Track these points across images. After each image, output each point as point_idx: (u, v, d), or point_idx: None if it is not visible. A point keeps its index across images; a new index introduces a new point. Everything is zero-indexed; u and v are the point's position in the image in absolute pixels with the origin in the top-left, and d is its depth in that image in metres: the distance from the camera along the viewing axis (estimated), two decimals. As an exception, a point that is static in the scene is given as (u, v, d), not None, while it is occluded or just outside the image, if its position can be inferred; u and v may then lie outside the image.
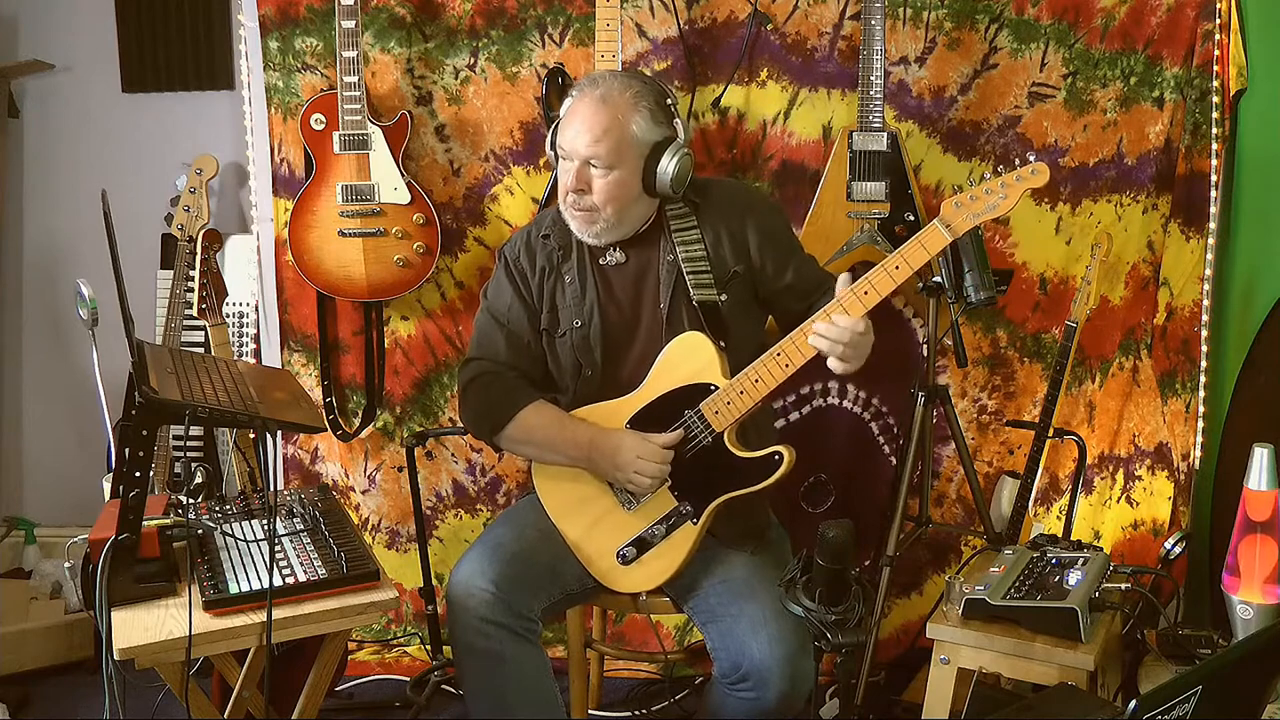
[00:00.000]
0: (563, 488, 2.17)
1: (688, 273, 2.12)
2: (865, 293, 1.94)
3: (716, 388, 2.05)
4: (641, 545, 2.11)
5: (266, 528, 1.95)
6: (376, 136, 2.66)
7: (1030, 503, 2.61)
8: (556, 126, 2.12)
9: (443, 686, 2.64)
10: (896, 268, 1.93)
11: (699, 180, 2.22)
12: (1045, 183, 1.92)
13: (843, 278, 1.97)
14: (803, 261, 2.22)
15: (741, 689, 1.99)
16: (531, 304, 2.20)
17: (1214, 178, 2.62)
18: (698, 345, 2.08)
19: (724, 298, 2.13)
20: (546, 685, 2.05)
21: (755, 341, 2.18)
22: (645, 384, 2.12)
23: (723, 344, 2.09)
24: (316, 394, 2.90)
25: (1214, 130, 2.60)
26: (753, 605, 2.00)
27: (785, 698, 1.95)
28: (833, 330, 1.93)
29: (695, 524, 2.09)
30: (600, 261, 2.18)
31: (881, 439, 2.84)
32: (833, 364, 1.97)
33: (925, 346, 2.51)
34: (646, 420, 2.10)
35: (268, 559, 1.79)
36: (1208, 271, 2.67)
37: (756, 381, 2.02)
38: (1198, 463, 2.72)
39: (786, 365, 2.00)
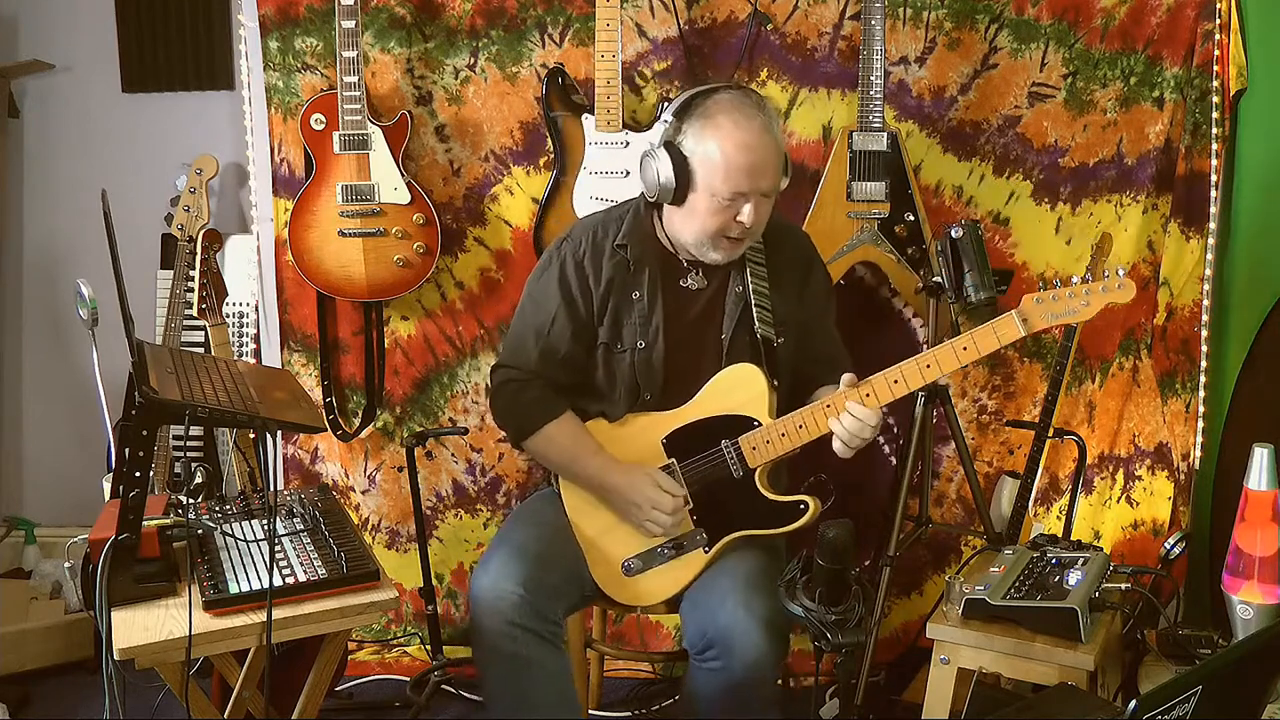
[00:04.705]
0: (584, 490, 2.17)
1: (756, 305, 2.10)
2: (928, 366, 1.92)
3: (759, 423, 2.03)
4: (649, 560, 2.10)
5: (266, 528, 1.95)
6: (376, 136, 2.66)
7: (1030, 503, 2.60)
8: (685, 167, 1.99)
9: (443, 686, 2.64)
10: (964, 349, 1.92)
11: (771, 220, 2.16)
12: (1130, 299, 1.89)
13: (846, 378, 1.96)
14: (827, 331, 2.23)
15: (708, 658, 1.95)
16: (582, 315, 2.13)
17: (1214, 178, 2.62)
18: (750, 377, 2.06)
19: (780, 340, 2.12)
20: (569, 690, 2.03)
21: None
22: (691, 403, 2.09)
23: (775, 383, 2.07)
24: (316, 394, 2.89)
25: (1214, 130, 2.60)
26: (725, 578, 1.99)
27: (752, 667, 1.90)
28: (856, 420, 1.93)
29: (707, 552, 2.07)
30: (681, 283, 2.14)
31: (881, 439, 2.83)
32: (839, 447, 1.97)
33: (925, 346, 2.51)
34: (683, 439, 2.09)
35: (268, 559, 1.79)
36: (1208, 271, 2.66)
37: (800, 428, 2.00)
38: (1198, 463, 2.72)
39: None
